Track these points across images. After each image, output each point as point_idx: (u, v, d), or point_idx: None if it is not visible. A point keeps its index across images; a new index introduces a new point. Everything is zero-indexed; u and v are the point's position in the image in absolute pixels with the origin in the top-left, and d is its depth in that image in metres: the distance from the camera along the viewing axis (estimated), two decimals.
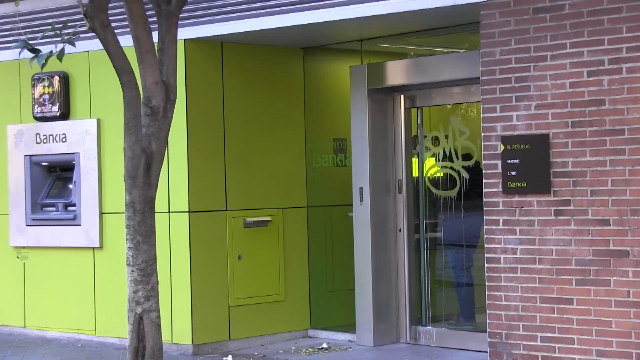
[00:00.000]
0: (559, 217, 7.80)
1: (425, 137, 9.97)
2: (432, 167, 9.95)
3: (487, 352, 8.25)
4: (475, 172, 9.26)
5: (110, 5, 6.85)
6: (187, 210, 9.64)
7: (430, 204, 9.97)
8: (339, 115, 10.64)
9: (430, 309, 9.95)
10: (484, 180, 8.23)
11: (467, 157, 9.66)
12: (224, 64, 9.97)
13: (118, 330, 10.02)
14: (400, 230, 9.89)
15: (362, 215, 9.87)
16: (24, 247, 10.97)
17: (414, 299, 9.92)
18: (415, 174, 10.01)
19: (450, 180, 9.75)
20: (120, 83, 6.85)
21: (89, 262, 10.43)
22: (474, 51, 8.94)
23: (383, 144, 9.94)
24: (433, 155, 9.93)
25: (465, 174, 9.64)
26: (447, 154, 9.77)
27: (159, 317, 6.92)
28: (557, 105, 7.82)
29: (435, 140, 9.91)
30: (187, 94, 9.61)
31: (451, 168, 9.74)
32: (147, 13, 6.95)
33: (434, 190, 9.91)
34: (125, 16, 6.98)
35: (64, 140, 10.56)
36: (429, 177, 9.94)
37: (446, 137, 9.80)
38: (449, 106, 9.96)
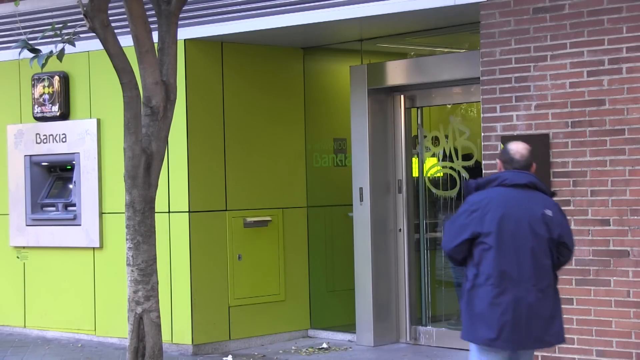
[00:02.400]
0: None
1: (425, 137, 9.97)
2: (432, 167, 9.95)
3: None
4: (475, 172, 9.26)
5: (110, 5, 6.85)
6: (187, 210, 9.64)
7: (430, 204, 9.97)
8: (339, 115, 10.64)
9: (430, 309, 9.95)
10: None
11: (467, 157, 9.66)
12: (224, 64, 9.97)
13: (118, 330, 10.01)
14: (400, 230, 9.89)
15: (362, 215, 9.86)
16: (24, 247, 10.97)
17: (414, 299, 9.92)
18: (415, 174, 10.01)
19: (450, 180, 9.75)
20: (120, 83, 6.85)
21: (89, 262, 10.43)
22: (474, 51, 8.94)
23: (383, 144, 9.94)
24: (433, 155, 9.93)
25: (465, 174, 9.64)
26: (447, 154, 9.77)
27: (159, 317, 6.92)
28: (557, 105, 7.82)
29: (435, 140, 9.91)
30: (187, 94, 9.61)
31: (451, 168, 9.75)
32: (147, 13, 6.95)
33: (434, 190, 9.91)
34: (125, 16, 6.98)
35: (64, 140, 10.56)
36: (429, 177, 9.94)
37: (446, 137, 9.80)
38: (449, 106, 9.96)
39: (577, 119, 7.72)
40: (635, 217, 7.45)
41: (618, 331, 7.54)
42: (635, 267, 7.45)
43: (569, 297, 7.75)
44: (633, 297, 7.46)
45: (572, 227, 7.73)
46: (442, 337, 9.65)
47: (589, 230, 7.66)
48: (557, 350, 7.81)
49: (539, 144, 7.86)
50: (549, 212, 5.81)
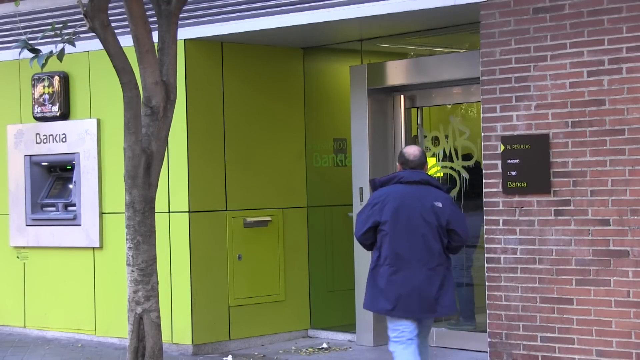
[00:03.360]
0: (559, 217, 7.80)
1: (425, 137, 9.97)
2: (432, 167, 9.94)
3: (487, 352, 8.25)
4: (475, 172, 9.26)
5: (110, 5, 6.85)
6: (187, 210, 9.64)
7: None
8: (339, 115, 10.64)
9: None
10: (484, 180, 8.23)
11: (467, 157, 9.66)
12: (224, 64, 9.97)
13: (118, 330, 10.02)
14: None
15: None
16: (24, 247, 10.97)
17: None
18: None
19: (450, 180, 9.74)
20: (120, 83, 6.86)
21: (89, 262, 10.43)
22: (474, 51, 8.94)
23: (383, 144, 9.93)
24: (433, 155, 9.92)
25: (465, 174, 9.63)
26: (447, 154, 9.76)
27: (159, 317, 6.92)
28: (557, 105, 7.82)
29: (435, 140, 9.91)
30: (187, 94, 9.61)
31: (451, 168, 9.74)
32: (147, 13, 6.95)
33: None
34: (125, 16, 6.99)
35: (64, 140, 10.56)
36: (441, 177, 9.93)
37: (446, 137, 9.80)
38: (449, 106, 9.96)
39: (577, 119, 7.72)
40: (635, 217, 7.45)
41: (618, 331, 7.54)
42: (635, 267, 7.45)
43: (569, 297, 7.75)
44: (633, 297, 7.46)
45: (572, 227, 7.74)
46: (442, 337, 9.65)
47: (589, 230, 7.66)
48: (557, 350, 7.81)
49: (539, 144, 7.87)
50: (438, 204, 6.96)
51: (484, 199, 8.21)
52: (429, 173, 9.88)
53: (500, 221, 8.09)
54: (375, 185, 7.20)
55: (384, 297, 6.94)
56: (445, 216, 6.91)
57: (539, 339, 7.91)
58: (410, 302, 6.91)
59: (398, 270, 6.91)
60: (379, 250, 7.00)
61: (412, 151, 7.18)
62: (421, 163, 7.16)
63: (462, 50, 10.00)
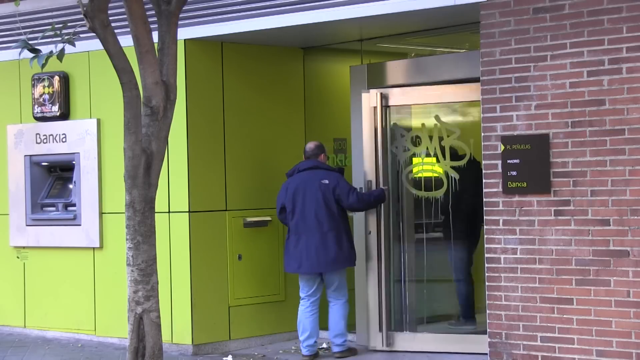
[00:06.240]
0: (559, 217, 7.81)
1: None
2: (415, 166, 9.92)
3: (487, 352, 8.25)
4: (468, 172, 9.26)
5: (110, 5, 6.84)
6: (187, 210, 9.65)
7: (427, 204, 9.95)
8: (339, 115, 10.64)
9: (429, 311, 9.93)
10: (484, 180, 8.23)
11: (457, 156, 9.60)
12: (224, 64, 9.97)
13: (118, 330, 10.02)
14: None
15: (362, 215, 9.84)
16: (24, 247, 10.97)
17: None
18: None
19: (450, 180, 9.72)
20: (120, 83, 6.85)
21: (89, 262, 10.43)
22: (474, 51, 8.94)
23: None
24: (428, 155, 9.90)
25: (454, 175, 9.59)
26: (434, 153, 9.72)
27: (159, 317, 6.92)
28: (557, 105, 7.82)
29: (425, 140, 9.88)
30: (187, 94, 9.61)
31: (451, 168, 9.72)
32: (147, 13, 6.95)
33: (417, 191, 9.88)
34: (125, 16, 6.98)
35: (64, 140, 10.56)
36: (425, 177, 9.91)
37: (440, 138, 9.76)
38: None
39: (577, 119, 7.72)
40: (635, 217, 7.45)
41: (618, 331, 7.54)
42: (635, 267, 7.45)
43: (569, 297, 7.76)
44: (633, 297, 7.46)
45: (572, 227, 7.74)
46: (442, 339, 9.64)
47: (589, 230, 7.66)
48: (557, 350, 7.81)
49: (539, 144, 7.87)
50: (325, 182, 9.15)
51: (484, 199, 8.21)
52: (429, 172, 9.95)
53: (500, 221, 8.09)
54: (287, 176, 9.38)
55: (292, 260, 9.15)
56: (331, 190, 9.07)
57: (539, 339, 7.91)
58: (310, 261, 9.04)
59: (299, 238, 9.11)
60: (289, 224, 9.22)
61: (308, 145, 9.46)
62: (314, 154, 9.35)
63: (462, 50, 10.00)
